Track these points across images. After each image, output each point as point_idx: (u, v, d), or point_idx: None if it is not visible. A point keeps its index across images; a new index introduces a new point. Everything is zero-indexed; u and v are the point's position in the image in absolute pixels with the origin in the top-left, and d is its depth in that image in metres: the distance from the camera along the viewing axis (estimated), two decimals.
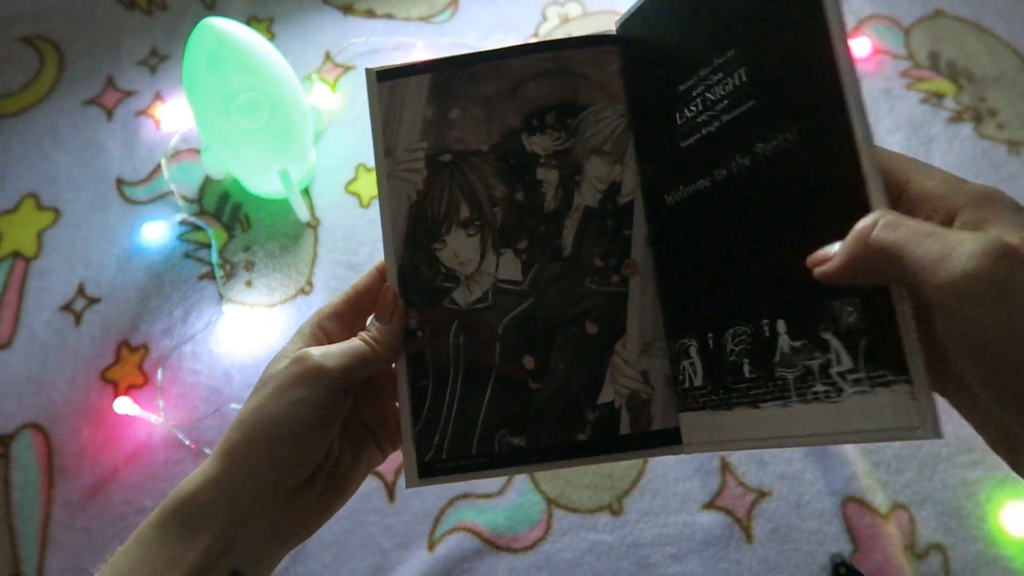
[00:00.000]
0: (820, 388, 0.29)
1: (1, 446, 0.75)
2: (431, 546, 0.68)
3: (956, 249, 0.22)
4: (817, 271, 0.27)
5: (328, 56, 0.97)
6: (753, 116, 0.31)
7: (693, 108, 0.34)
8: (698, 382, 0.34)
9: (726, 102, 0.32)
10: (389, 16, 1.00)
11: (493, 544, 0.68)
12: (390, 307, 0.36)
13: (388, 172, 0.37)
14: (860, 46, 0.92)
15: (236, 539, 0.32)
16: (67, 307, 0.82)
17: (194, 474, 0.32)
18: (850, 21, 0.95)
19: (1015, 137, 0.85)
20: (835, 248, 0.26)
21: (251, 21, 1.00)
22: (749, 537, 0.66)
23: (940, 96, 0.88)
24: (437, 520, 0.69)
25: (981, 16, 0.93)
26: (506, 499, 0.70)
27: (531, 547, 0.67)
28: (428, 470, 0.35)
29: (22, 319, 0.81)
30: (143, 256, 0.84)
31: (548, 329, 0.36)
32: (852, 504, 0.67)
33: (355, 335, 0.35)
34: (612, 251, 0.36)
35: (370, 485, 0.71)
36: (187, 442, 0.73)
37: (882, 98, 0.88)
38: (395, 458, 0.72)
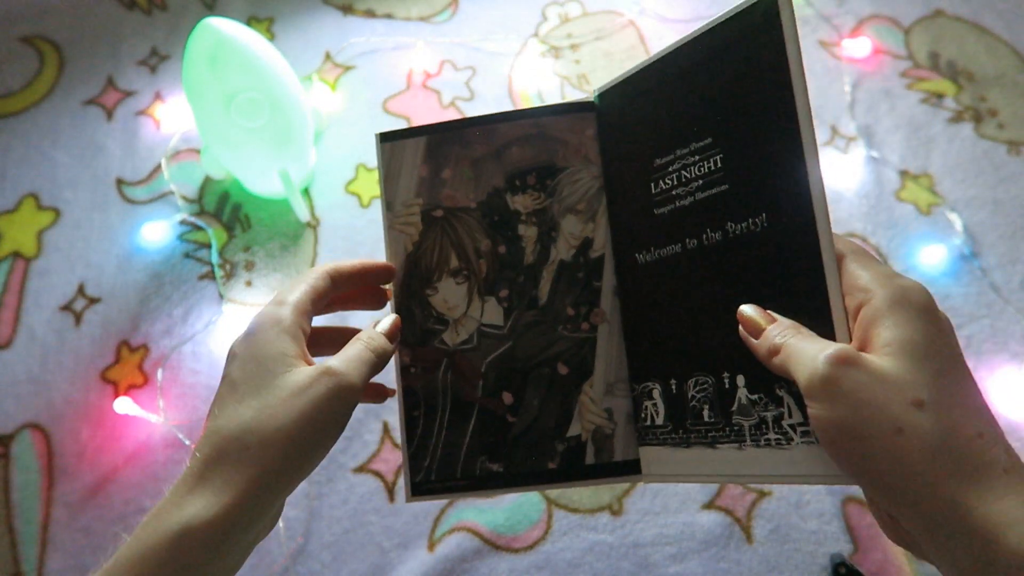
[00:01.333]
0: (772, 436, 0.34)
1: (1, 446, 0.75)
2: (431, 546, 0.68)
3: (812, 356, 0.28)
4: (753, 353, 0.32)
5: (328, 56, 0.97)
6: (726, 199, 0.35)
7: (669, 182, 0.37)
8: (659, 421, 0.38)
9: (701, 182, 0.36)
10: (389, 16, 1.00)
11: (493, 544, 0.68)
12: (395, 329, 0.39)
13: (388, 225, 0.42)
14: (860, 46, 0.92)
15: (236, 563, 0.31)
16: (67, 307, 0.82)
17: (199, 495, 0.29)
18: (850, 21, 0.95)
19: (1015, 137, 0.85)
20: (765, 333, 0.31)
21: (251, 21, 1.00)
22: (749, 537, 0.66)
23: (940, 96, 0.88)
24: (437, 520, 0.69)
25: (981, 16, 0.93)
26: (506, 499, 0.70)
27: (531, 547, 0.67)
28: (419, 489, 0.40)
29: (22, 319, 0.81)
30: (143, 256, 0.84)
31: (525, 369, 0.40)
32: (852, 504, 0.67)
33: (329, 310, 0.39)
34: (583, 301, 0.40)
35: (370, 485, 0.71)
36: (187, 442, 0.73)
37: (882, 98, 0.88)
38: (395, 459, 0.72)
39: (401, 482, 0.71)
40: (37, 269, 0.84)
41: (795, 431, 0.33)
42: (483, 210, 0.41)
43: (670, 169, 0.37)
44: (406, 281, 0.41)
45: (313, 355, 0.35)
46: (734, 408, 0.35)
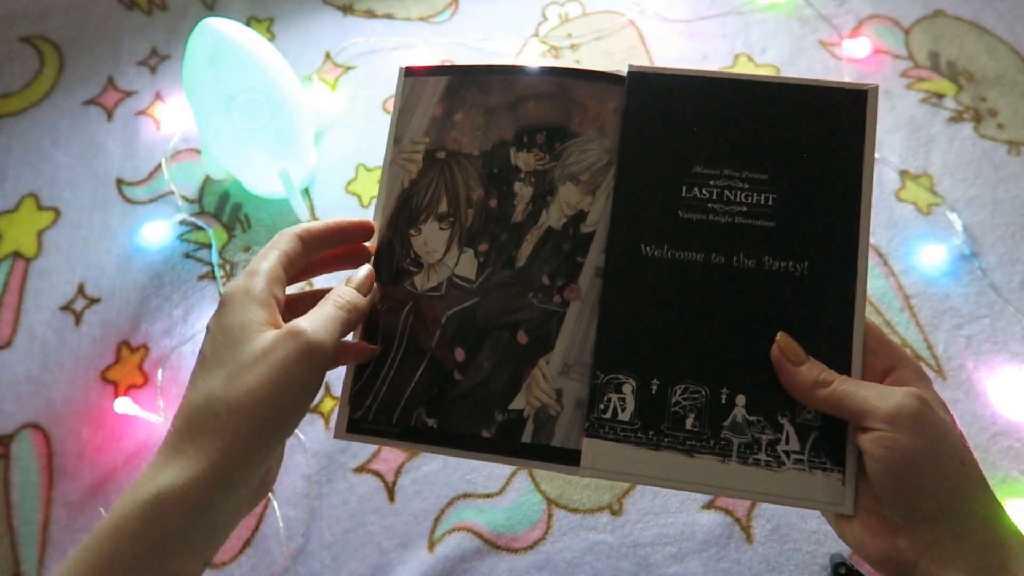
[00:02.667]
0: (763, 457, 0.35)
1: (1, 446, 0.75)
2: (431, 546, 0.68)
3: (891, 393, 0.33)
4: (781, 378, 0.35)
5: (328, 56, 0.97)
6: (770, 235, 0.37)
7: (707, 193, 0.38)
8: (624, 417, 0.37)
9: (745, 209, 0.37)
10: (389, 16, 1.00)
11: (493, 544, 0.68)
12: (368, 282, 0.38)
13: (391, 159, 0.41)
14: (860, 46, 0.92)
15: (216, 533, 0.31)
16: (67, 307, 0.82)
17: (172, 465, 0.30)
18: (850, 21, 0.95)
19: (1015, 137, 0.85)
20: (810, 365, 0.35)
21: (251, 21, 1.00)
22: (749, 537, 0.66)
23: (940, 96, 0.88)
24: (437, 520, 0.69)
25: (981, 16, 0.93)
26: (506, 499, 0.70)
27: (531, 547, 0.67)
28: (354, 427, 0.38)
29: (22, 319, 0.81)
30: (143, 256, 0.84)
31: (484, 329, 0.39)
32: None
33: (308, 275, 0.39)
34: (561, 272, 0.39)
35: (370, 485, 0.71)
36: None
37: (882, 98, 0.88)
38: (396, 459, 0.72)
39: (403, 481, 0.71)
40: (37, 269, 0.84)
41: (788, 457, 0.35)
42: (484, 160, 0.41)
43: (712, 183, 0.38)
44: (395, 218, 0.41)
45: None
46: (726, 423, 0.36)
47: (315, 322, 0.33)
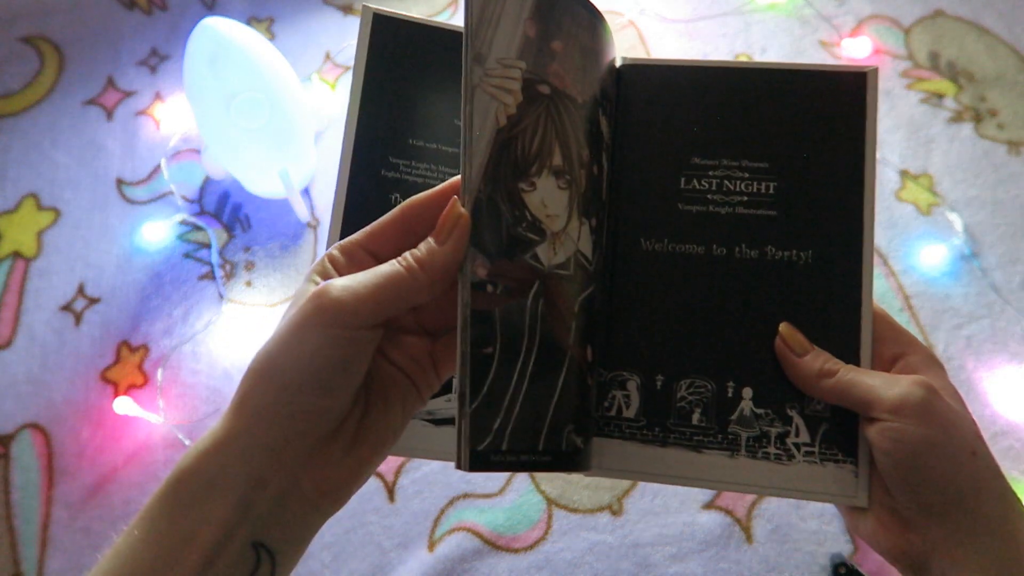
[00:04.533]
0: (772, 451, 0.34)
1: (1, 446, 0.75)
2: (431, 546, 0.68)
3: (897, 381, 0.32)
4: (785, 369, 0.35)
5: (328, 56, 0.97)
6: (772, 224, 0.36)
7: (705, 184, 0.37)
8: (629, 414, 0.36)
9: (746, 198, 0.36)
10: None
11: (493, 544, 0.68)
12: (451, 224, 0.28)
13: (475, 83, 0.29)
14: (860, 46, 0.92)
15: (255, 505, 0.27)
16: (67, 307, 0.82)
17: (202, 438, 0.28)
18: (850, 21, 0.95)
19: (1015, 137, 0.85)
20: (814, 355, 0.34)
21: (251, 21, 1.00)
22: (749, 537, 0.66)
23: (940, 96, 0.88)
24: (437, 520, 0.69)
25: (981, 16, 0.93)
26: (506, 499, 0.69)
27: (531, 547, 0.67)
28: (482, 461, 0.28)
29: (22, 319, 0.81)
30: (143, 256, 0.84)
31: (598, 324, 0.33)
32: None
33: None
34: None
35: (370, 485, 0.71)
36: (187, 442, 0.73)
37: (882, 98, 0.88)
38: (395, 459, 0.72)
39: (403, 481, 0.71)
40: (37, 269, 0.84)
41: (798, 450, 0.34)
42: (586, 113, 0.33)
43: (711, 173, 0.37)
44: (492, 165, 0.29)
45: None
46: (733, 417, 0.35)
47: (354, 279, 0.28)
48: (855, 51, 0.92)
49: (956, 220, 0.80)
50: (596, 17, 0.35)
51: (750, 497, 0.68)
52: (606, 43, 0.36)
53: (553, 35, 0.32)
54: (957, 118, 0.87)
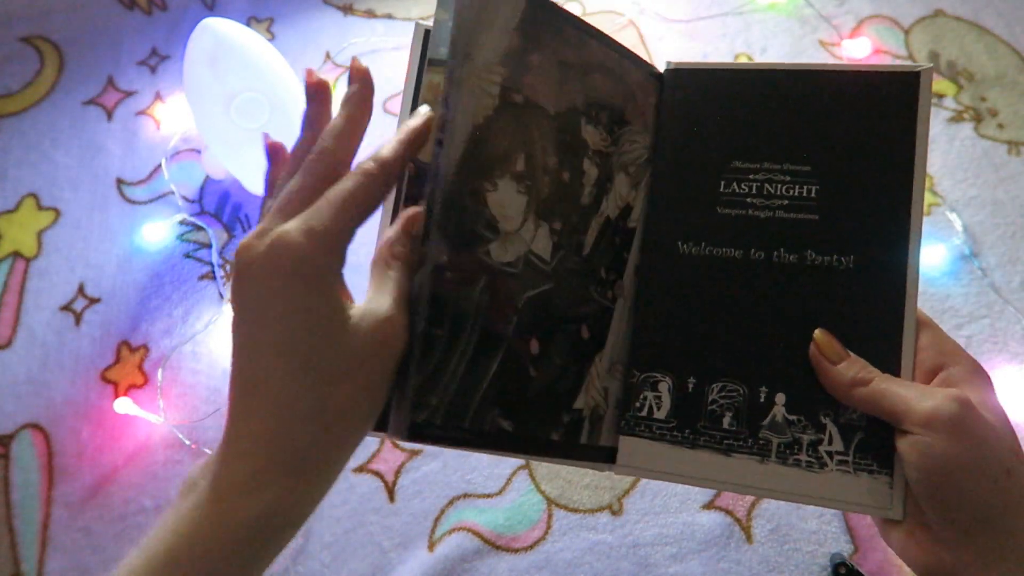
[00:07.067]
0: (804, 458, 0.34)
1: (1, 446, 0.75)
2: (431, 546, 0.68)
3: (931, 394, 0.31)
4: (819, 376, 0.34)
5: (328, 56, 0.97)
6: (813, 228, 0.35)
7: (746, 187, 0.36)
8: (660, 415, 0.36)
9: (787, 202, 0.36)
10: (389, 16, 1.00)
11: (493, 544, 0.68)
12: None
13: (464, 77, 0.31)
14: (860, 46, 0.92)
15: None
16: (67, 307, 0.82)
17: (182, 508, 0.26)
18: (850, 21, 0.95)
19: (1015, 137, 0.85)
20: (849, 363, 0.33)
21: (251, 21, 1.00)
22: (749, 537, 0.66)
23: (940, 96, 0.88)
24: (437, 520, 0.69)
25: (981, 16, 0.93)
26: (506, 499, 0.69)
27: (531, 547, 0.67)
28: (418, 432, 0.30)
29: (22, 319, 0.81)
30: (143, 256, 0.84)
31: (556, 319, 0.34)
32: None
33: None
34: (613, 267, 0.37)
35: (370, 485, 0.71)
36: (187, 442, 0.73)
37: None
38: (396, 458, 0.72)
39: (403, 481, 0.71)
40: (37, 269, 0.84)
41: (831, 458, 0.33)
42: (559, 123, 0.34)
43: (752, 177, 0.36)
44: (464, 160, 0.31)
45: None
46: (765, 423, 0.34)
47: (308, 213, 0.27)
48: (855, 51, 0.92)
49: (956, 220, 0.80)
50: (589, 35, 0.36)
51: (750, 497, 0.68)
52: (601, 58, 0.36)
53: (532, 49, 0.34)
54: (957, 118, 0.87)
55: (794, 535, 0.66)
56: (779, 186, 0.36)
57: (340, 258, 0.29)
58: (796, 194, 0.36)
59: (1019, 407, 0.71)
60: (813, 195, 0.35)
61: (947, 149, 0.85)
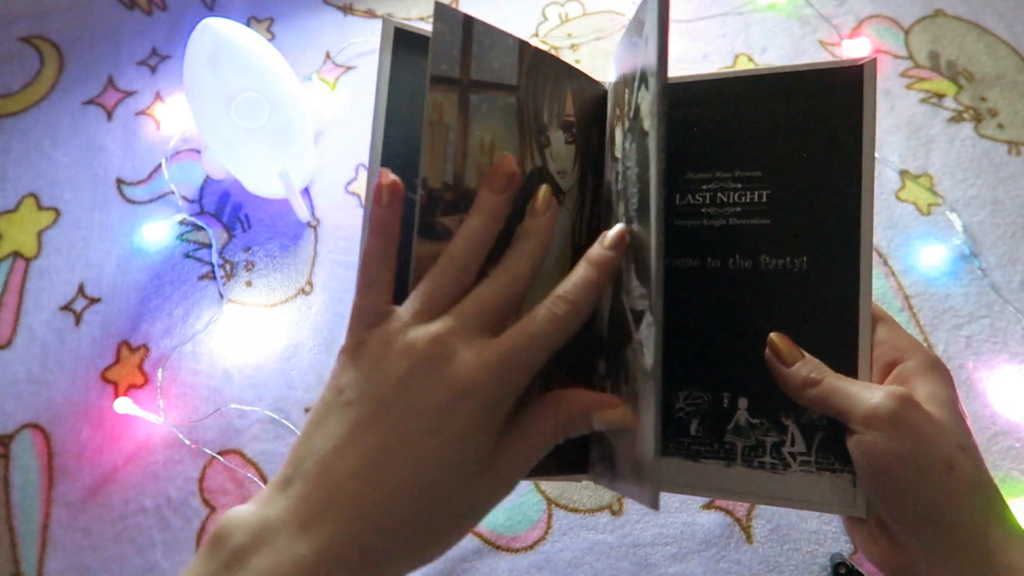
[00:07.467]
0: (768, 460, 0.34)
1: (1, 446, 0.75)
2: None
3: (873, 391, 0.31)
4: (776, 378, 0.34)
5: (328, 56, 0.97)
6: (765, 232, 0.35)
7: (700, 198, 0.36)
8: None
9: (739, 209, 0.36)
10: (389, 16, 1.00)
11: (493, 544, 0.68)
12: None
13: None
14: (860, 46, 0.92)
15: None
16: (67, 307, 0.82)
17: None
18: (850, 21, 0.95)
19: (1015, 137, 0.85)
20: (800, 364, 0.33)
21: (251, 21, 1.00)
22: (749, 537, 0.66)
23: (940, 96, 0.88)
24: None
25: (981, 16, 0.93)
26: (506, 499, 0.69)
27: (531, 547, 0.67)
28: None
29: (22, 319, 0.81)
30: (143, 256, 0.84)
31: None
32: None
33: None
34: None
35: None
36: (187, 442, 0.73)
37: (882, 98, 0.88)
38: None
39: None
40: (37, 269, 0.84)
41: (794, 459, 0.34)
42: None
43: (704, 187, 0.36)
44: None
45: None
46: (729, 427, 0.35)
47: (487, 346, 0.28)
48: (855, 51, 0.92)
49: (956, 220, 0.80)
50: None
51: None
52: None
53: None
54: (957, 118, 0.87)
55: (794, 535, 0.66)
56: (731, 194, 0.36)
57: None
58: (748, 200, 0.36)
59: (1019, 407, 0.71)
60: (764, 200, 0.35)
61: (947, 149, 0.85)
